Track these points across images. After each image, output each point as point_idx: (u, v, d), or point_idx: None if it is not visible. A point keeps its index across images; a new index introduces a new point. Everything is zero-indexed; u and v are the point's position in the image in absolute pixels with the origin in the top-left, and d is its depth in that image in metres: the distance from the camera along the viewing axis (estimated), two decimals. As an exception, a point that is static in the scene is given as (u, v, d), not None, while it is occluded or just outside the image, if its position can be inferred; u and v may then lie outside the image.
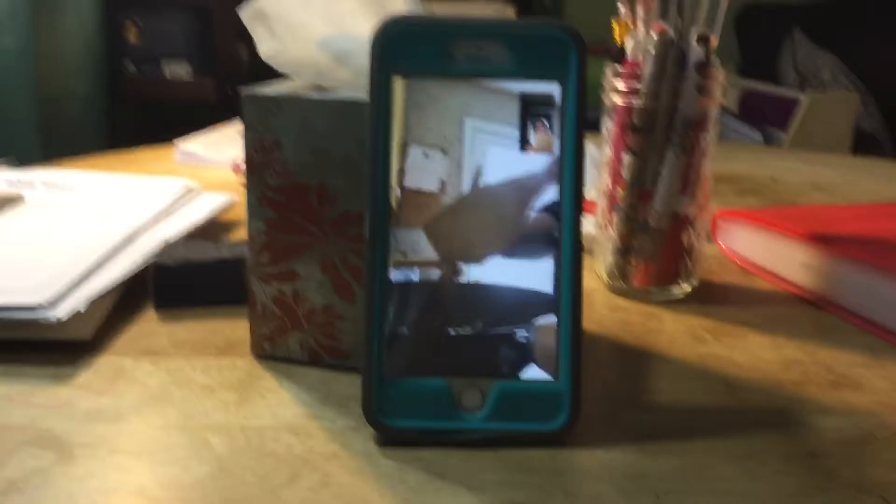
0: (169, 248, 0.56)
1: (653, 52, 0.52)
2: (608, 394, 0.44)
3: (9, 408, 0.41)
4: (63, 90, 1.82)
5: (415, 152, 0.39)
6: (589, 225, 0.54)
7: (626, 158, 0.55)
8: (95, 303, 0.49)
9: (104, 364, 0.46)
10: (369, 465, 0.37)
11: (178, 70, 2.15)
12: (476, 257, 0.39)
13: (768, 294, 0.59)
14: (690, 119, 0.53)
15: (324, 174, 0.43)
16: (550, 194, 0.39)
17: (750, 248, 0.64)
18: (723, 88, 0.54)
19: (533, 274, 0.39)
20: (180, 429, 0.39)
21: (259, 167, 0.44)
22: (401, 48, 0.39)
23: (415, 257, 0.39)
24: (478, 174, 0.39)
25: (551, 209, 0.39)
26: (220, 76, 2.11)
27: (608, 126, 0.57)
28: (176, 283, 0.53)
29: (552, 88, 0.39)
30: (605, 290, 0.59)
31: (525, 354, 0.39)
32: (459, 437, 0.38)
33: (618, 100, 0.55)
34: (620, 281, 0.58)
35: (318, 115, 0.43)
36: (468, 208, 0.39)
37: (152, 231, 0.61)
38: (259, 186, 0.44)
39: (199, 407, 0.41)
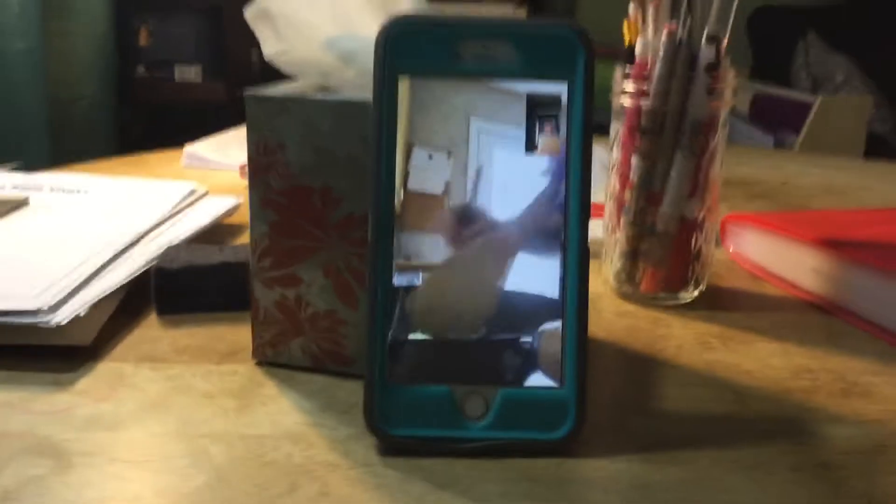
0: (171, 251, 0.55)
1: (662, 52, 0.52)
2: (614, 401, 0.43)
3: (8, 414, 0.41)
4: (73, 93, 1.82)
5: (419, 154, 0.39)
6: (596, 228, 0.53)
7: (635, 161, 0.54)
8: (96, 307, 0.48)
9: (104, 370, 0.45)
10: (370, 474, 0.36)
11: (188, 73, 2.16)
12: (468, 331, 0.38)
13: (778, 300, 0.58)
14: (699, 121, 0.53)
15: (328, 176, 0.43)
16: (557, 197, 0.39)
17: (759, 252, 0.63)
18: (733, 90, 0.54)
19: (538, 278, 0.39)
20: (179, 437, 0.39)
21: (262, 169, 0.44)
22: (407, 48, 0.39)
23: (418, 262, 0.39)
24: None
25: (558, 212, 0.39)
26: (231, 79, 2.11)
27: (616, 128, 0.56)
28: (177, 288, 0.52)
29: (560, 89, 0.39)
30: (612, 294, 0.58)
31: (529, 361, 0.38)
32: (462, 446, 0.38)
33: (626, 101, 0.54)
34: (628, 285, 0.57)
35: (323, 115, 0.42)
36: (445, 281, 0.39)
37: (156, 235, 0.61)
38: (262, 189, 0.44)
39: (198, 414, 0.41)
